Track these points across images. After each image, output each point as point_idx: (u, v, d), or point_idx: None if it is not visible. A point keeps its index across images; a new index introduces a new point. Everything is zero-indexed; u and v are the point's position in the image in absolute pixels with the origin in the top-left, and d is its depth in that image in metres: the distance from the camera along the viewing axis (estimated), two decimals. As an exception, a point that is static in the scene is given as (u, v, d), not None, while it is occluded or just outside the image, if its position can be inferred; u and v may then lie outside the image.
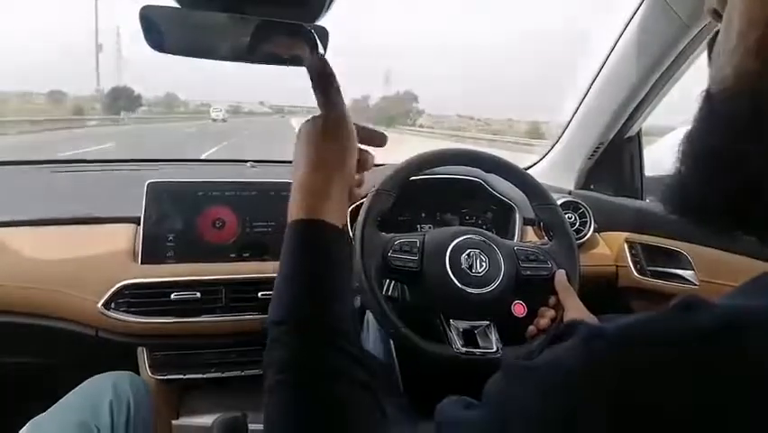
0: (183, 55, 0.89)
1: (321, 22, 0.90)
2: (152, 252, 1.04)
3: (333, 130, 0.57)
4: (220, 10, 0.85)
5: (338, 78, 0.61)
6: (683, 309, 0.28)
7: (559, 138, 1.53)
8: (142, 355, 1.06)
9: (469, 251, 0.89)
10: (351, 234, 1.10)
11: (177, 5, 0.82)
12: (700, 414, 0.25)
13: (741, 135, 0.33)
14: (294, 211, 0.52)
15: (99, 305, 0.97)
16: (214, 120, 36.09)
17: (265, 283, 1.04)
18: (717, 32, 0.37)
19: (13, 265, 1.01)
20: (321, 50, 0.91)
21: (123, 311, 0.98)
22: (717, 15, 0.37)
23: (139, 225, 1.06)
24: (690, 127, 0.37)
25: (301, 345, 0.45)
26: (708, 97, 0.36)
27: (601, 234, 1.35)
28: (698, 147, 0.36)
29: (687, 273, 1.14)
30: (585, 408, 0.27)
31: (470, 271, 0.88)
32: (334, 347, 0.45)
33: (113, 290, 0.98)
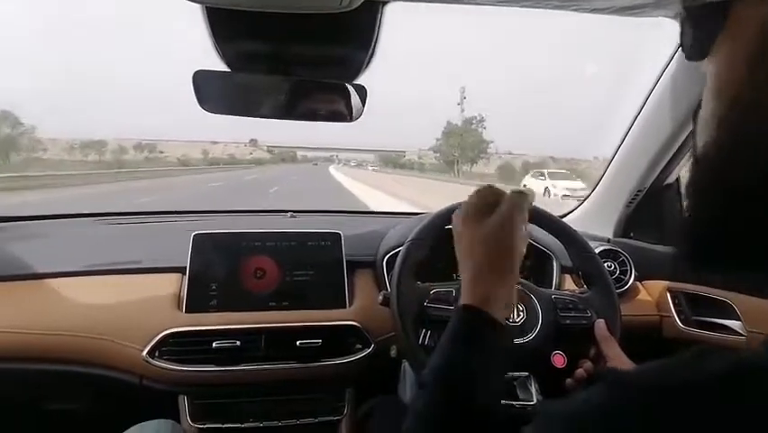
0: (229, 114, 0.96)
1: (359, 80, 0.95)
2: (196, 301, 1.07)
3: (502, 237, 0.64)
4: (266, 73, 0.91)
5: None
6: (696, 357, 0.30)
7: (596, 185, 1.53)
8: (184, 404, 1.07)
9: None
10: (388, 284, 1.11)
11: (227, 69, 0.89)
12: None
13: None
14: (466, 295, 0.61)
15: (144, 353, 1.00)
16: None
17: (303, 332, 1.05)
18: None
19: (63, 315, 1.04)
20: (360, 105, 0.96)
21: (166, 359, 1.00)
22: None
23: (184, 274, 1.10)
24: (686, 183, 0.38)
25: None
26: (696, 162, 0.37)
27: (643, 282, 1.32)
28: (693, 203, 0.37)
29: (734, 324, 1.10)
30: None
31: (508, 320, 0.87)
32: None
33: (157, 338, 1.00)
